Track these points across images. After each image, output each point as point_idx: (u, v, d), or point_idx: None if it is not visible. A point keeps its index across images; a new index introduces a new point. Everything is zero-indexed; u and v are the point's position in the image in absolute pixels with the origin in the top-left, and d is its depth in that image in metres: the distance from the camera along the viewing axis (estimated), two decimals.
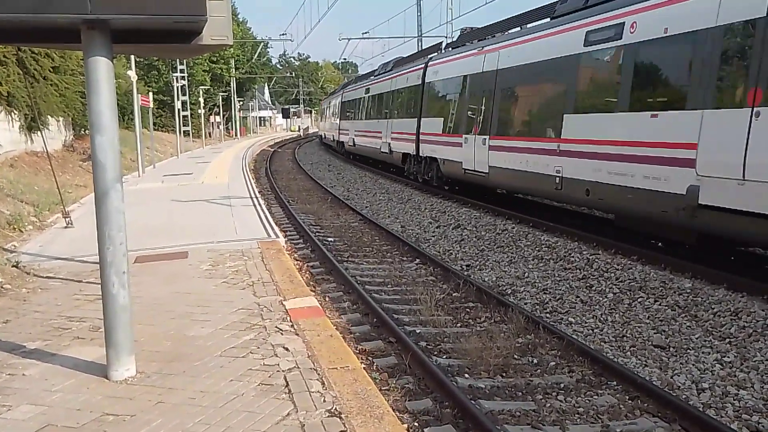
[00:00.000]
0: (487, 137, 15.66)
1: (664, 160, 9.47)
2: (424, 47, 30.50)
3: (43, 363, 5.21)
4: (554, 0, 14.06)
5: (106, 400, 4.49)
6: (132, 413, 4.27)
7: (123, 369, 4.82)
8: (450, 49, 20.54)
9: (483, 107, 16.08)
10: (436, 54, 21.72)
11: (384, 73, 27.99)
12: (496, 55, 15.62)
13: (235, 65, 63.97)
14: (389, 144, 24.68)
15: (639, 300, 8.38)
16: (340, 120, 38.17)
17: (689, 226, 9.21)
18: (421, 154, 20.89)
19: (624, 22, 10.74)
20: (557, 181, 12.42)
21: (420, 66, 21.82)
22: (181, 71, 40.74)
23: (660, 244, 10.68)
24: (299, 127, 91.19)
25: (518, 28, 15.78)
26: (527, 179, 13.74)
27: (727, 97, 8.58)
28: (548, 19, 13.92)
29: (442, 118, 18.96)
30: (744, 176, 8.03)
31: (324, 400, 4.42)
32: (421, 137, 20.89)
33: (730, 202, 8.26)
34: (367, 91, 30.24)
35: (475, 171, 16.33)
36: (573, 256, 10.65)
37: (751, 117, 8.02)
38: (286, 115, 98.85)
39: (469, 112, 17.02)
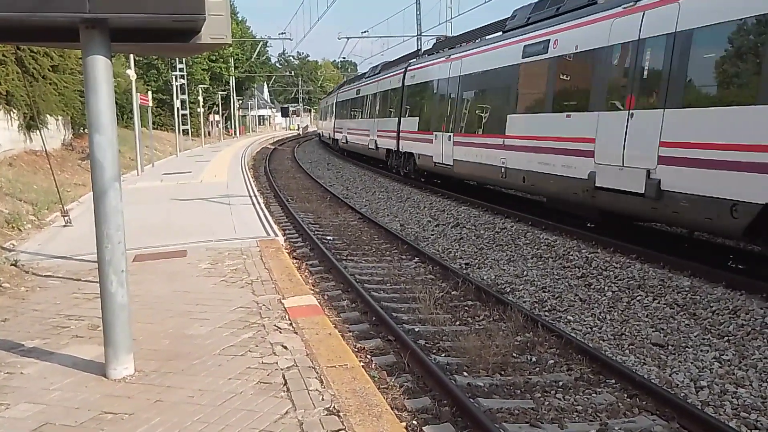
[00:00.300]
0: (451, 134, 17.98)
1: (573, 151, 11.78)
2: (422, 46, 31.86)
3: (41, 361, 5.21)
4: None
5: (104, 398, 4.50)
6: (130, 412, 4.27)
7: (121, 367, 4.82)
8: (426, 55, 23.26)
9: (449, 108, 18.44)
10: (414, 60, 24.22)
11: (372, 75, 30.53)
12: (459, 63, 18.04)
13: (234, 64, 63.98)
14: (375, 141, 27.00)
15: (638, 298, 8.39)
16: (334, 119, 40.26)
17: (591, 205, 11.50)
18: (400, 150, 23.30)
19: (549, 39, 13.03)
20: (503, 171, 14.74)
21: (400, 71, 24.22)
22: (181, 70, 40.78)
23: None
24: (298, 126, 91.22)
25: (479, 39, 18.14)
26: (482, 170, 16.07)
27: (613, 101, 10.76)
28: (501, 33, 16.35)
29: (417, 118, 21.44)
30: (623, 164, 10.32)
31: (322, 399, 4.42)
32: (400, 135, 23.25)
33: (615, 184, 10.51)
34: (358, 92, 32.49)
35: (443, 164, 18.71)
36: (572, 255, 10.66)
37: (627, 118, 10.29)
38: (285, 114, 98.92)
39: (438, 113, 19.38)
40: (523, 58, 14.09)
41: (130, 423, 4.12)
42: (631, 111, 10.24)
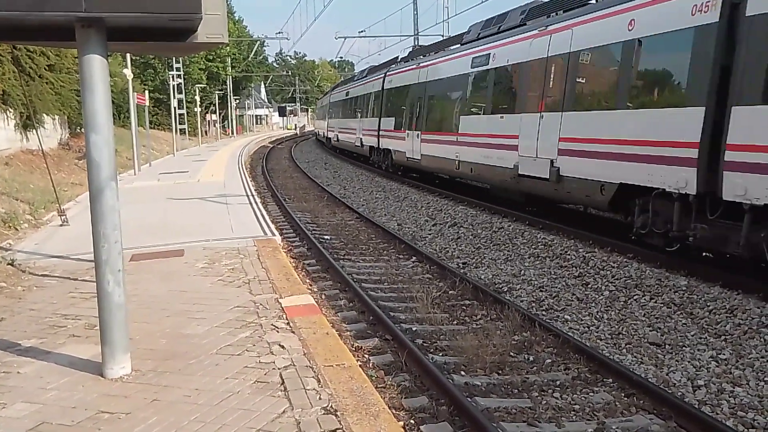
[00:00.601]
0: (419, 133, 20.86)
1: (505, 146, 14.53)
2: (420, 45, 32.28)
3: (38, 361, 5.20)
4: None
5: (101, 398, 4.49)
6: (127, 411, 4.26)
7: (118, 367, 4.81)
8: (402, 62, 25.95)
9: (418, 110, 21.27)
10: (393, 66, 26.96)
11: (359, 79, 33.80)
12: (426, 71, 20.86)
13: (231, 63, 63.89)
14: (361, 139, 30.19)
15: (635, 297, 8.40)
16: (327, 119, 43.96)
17: (517, 189, 14.41)
18: (380, 147, 26.31)
19: (490, 53, 15.86)
20: (457, 163, 17.56)
21: (380, 76, 27.13)
22: (177, 69, 40.70)
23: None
24: (295, 125, 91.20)
25: (444, 50, 20.75)
26: (442, 162, 18.92)
27: (531, 105, 13.55)
28: (459, 45, 19.07)
29: (394, 118, 24.17)
30: (536, 155, 13.08)
31: (320, 398, 4.41)
32: (380, 133, 26.23)
33: (531, 172, 13.28)
34: (347, 94, 35.66)
35: (413, 158, 21.53)
36: (569, 254, 10.67)
37: (539, 119, 13.04)
38: (282, 113, 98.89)
39: (410, 114, 22.13)
40: (471, 68, 16.96)
41: (127, 422, 4.12)
42: (541, 113, 13.02)
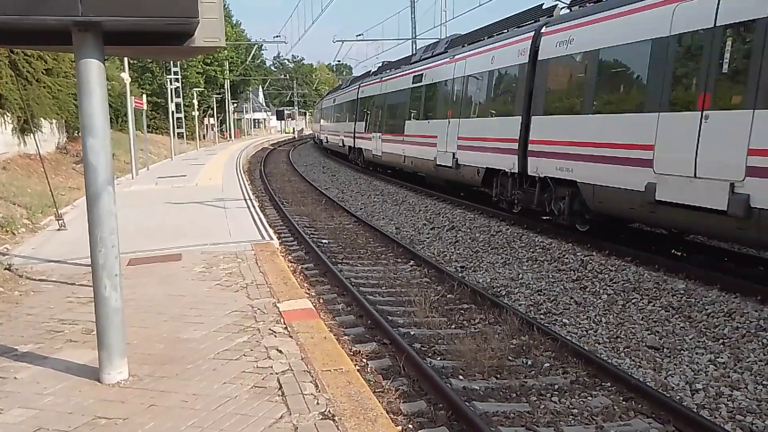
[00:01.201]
0: (381, 134, 26.08)
1: (429, 144, 19.35)
2: (417, 48, 32.90)
3: (35, 366, 5.18)
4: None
5: (98, 403, 4.47)
6: (124, 416, 4.25)
7: (115, 372, 4.80)
8: (373, 75, 31.13)
9: (380, 116, 26.53)
10: (368, 78, 31.99)
11: (345, 87, 39.30)
12: (386, 84, 26.04)
13: (229, 67, 63.90)
14: (343, 140, 35.56)
15: (633, 301, 8.39)
16: (320, 122, 50.48)
17: (437, 176, 19.30)
18: (355, 146, 31.73)
19: (423, 73, 20.98)
20: (403, 158, 22.56)
21: (356, 86, 32.78)
22: (175, 73, 40.63)
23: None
24: (293, 129, 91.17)
25: (402, 66, 25.22)
26: (395, 157, 23.70)
27: (443, 114, 18.48)
28: (410, 64, 23.82)
29: (364, 123, 29.52)
30: (446, 150, 17.81)
31: (317, 403, 4.40)
32: (356, 135, 31.49)
33: (444, 162, 17.96)
34: (334, 101, 41.56)
35: (377, 155, 26.74)
36: (567, 258, 10.67)
37: (448, 123, 17.82)
38: (280, 117, 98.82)
39: (375, 119, 27.38)
40: (412, 83, 22.09)
41: (124, 428, 4.10)
42: (449, 119, 17.91)
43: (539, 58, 12.99)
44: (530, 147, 13.10)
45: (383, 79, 26.60)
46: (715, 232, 9.28)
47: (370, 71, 34.07)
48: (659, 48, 9.53)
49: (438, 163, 18.39)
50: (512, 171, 13.87)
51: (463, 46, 17.95)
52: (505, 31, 15.59)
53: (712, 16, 8.53)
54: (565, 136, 11.93)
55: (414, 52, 24.57)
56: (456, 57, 17.70)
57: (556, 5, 13.96)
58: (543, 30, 13.23)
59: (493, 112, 15.25)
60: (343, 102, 36.30)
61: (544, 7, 14.34)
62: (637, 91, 10.27)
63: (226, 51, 57.78)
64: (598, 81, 11.13)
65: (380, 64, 32.40)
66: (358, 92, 31.58)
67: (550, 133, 12.54)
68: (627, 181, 10.08)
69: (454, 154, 17.19)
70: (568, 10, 13.16)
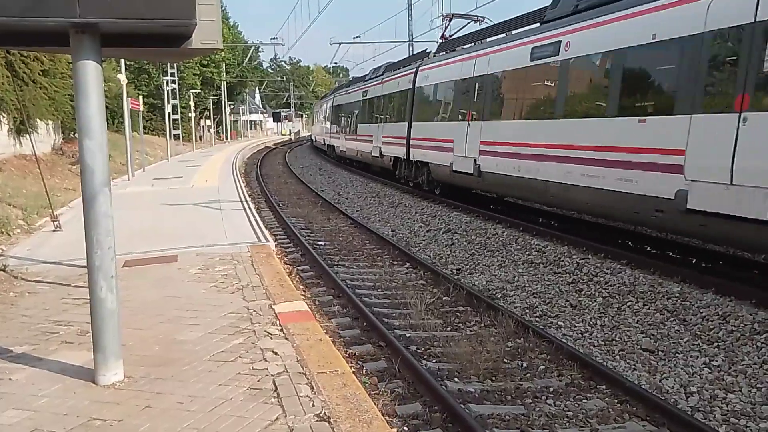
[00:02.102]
0: (345, 135, 32.96)
1: (370, 141, 26.52)
2: (414, 52, 34.16)
3: (30, 367, 5.18)
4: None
5: (93, 404, 4.47)
6: (119, 418, 4.25)
7: (111, 373, 4.79)
8: (349, 86, 37.27)
9: (351, 119, 31.87)
10: (342, 89, 39.78)
11: (328, 95, 47.59)
12: (349, 95, 33.57)
13: (225, 69, 63.89)
14: (324, 139, 42.63)
15: (628, 304, 8.41)
16: (313, 124, 60.17)
17: (375, 163, 26.06)
18: (332, 144, 38.73)
19: (366, 90, 28.19)
20: (356, 152, 29.73)
21: (332, 95, 41.69)
22: (172, 75, 40.58)
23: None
24: (290, 131, 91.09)
25: (369, 78, 30.22)
26: (351, 151, 30.86)
27: (381, 119, 25.39)
28: (377, 76, 27.97)
29: (337, 125, 36.20)
30: (381, 145, 24.78)
31: (313, 405, 4.41)
32: (331, 135, 38.72)
33: (376, 153, 25.23)
34: (320, 106, 49.96)
35: (341, 150, 33.77)
36: (563, 261, 10.69)
37: (382, 126, 25.09)
38: (277, 119, 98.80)
39: (345, 121, 33.32)
40: (361, 97, 29.45)
41: (120, 429, 4.10)
42: (378, 124, 25.55)
43: (416, 86, 20.88)
44: (411, 143, 21.02)
45: (348, 91, 34.67)
46: (754, 244, 8.52)
47: (343, 84, 43.99)
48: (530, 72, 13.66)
49: (373, 155, 25.92)
50: (404, 157, 21.71)
51: (383, 73, 26.64)
52: (411, 64, 22.85)
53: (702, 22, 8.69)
54: (425, 135, 19.61)
55: (380, 67, 29.32)
56: (384, 81, 25.62)
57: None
58: (419, 68, 20.93)
59: (396, 119, 23.10)
60: (327, 106, 43.30)
61: (429, 50, 22.96)
62: (455, 107, 17.70)
63: (223, 53, 57.74)
64: (438, 103, 19.10)
65: (350, 79, 42.79)
66: (333, 99, 39.67)
67: (420, 133, 20.24)
68: (447, 160, 17.49)
69: (380, 148, 24.89)
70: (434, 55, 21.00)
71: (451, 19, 21.81)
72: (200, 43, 4.52)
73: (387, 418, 5.09)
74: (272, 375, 4.94)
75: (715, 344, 6.94)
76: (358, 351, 6.89)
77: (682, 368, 6.39)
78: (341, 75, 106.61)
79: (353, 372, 5.30)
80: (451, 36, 21.19)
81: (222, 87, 63.51)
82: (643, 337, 7.24)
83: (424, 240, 13.37)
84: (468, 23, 21.23)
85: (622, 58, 10.42)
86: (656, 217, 9.49)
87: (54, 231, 11.65)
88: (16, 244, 10.75)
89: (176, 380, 4.87)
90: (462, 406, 5.45)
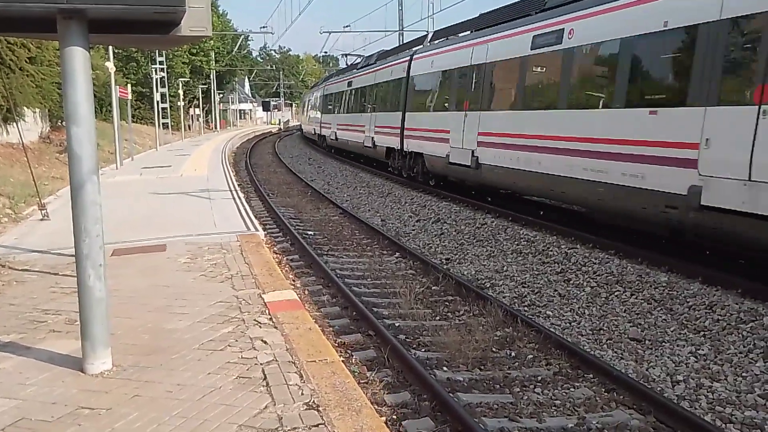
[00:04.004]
0: (338, 124, 32.60)
1: (360, 130, 26.47)
2: (405, 41, 34.11)
3: (17, 356, 5.15)
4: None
5: (81, 393, 4.46)
6: (108, 407, 4.24)
7: (99, 362, 4.78)
8: (340, 74, 37.68)
9: (343, 109, 32.06)
10: (331, 77, 41.59)
11: (319, 84, 48.54)
12: (338, 85, 34.31)
13: (215, 57, 63.48)
14: (315, 129, 42.96)
15: (616, 293, 8.47)
16: (303, 114, 58.80)
17: (365, 153, 26.31)
18: (321, 133, 39.30)
19: (351, 80, 29.88)
20: (347, 141, 29.80)
21: (323, 84, 42.68)
22: (160, 63, 40.35)
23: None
24: (279, 120, 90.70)
25: (340, 75, 34.84)
26: (350, 145, 29.55)
27: (364, 109, 26.35)
28: (354, 70, 30.91)
29: (328, 115, 36.47)
30: (370, 134, 24.87)
31: (302, 393, 4.42)
32: (322, 124, 39.13)
33: (369, 143, 25.03)
34: (312, 94, 49.84)
35: (339, 138, 32.16)
36: (551, 250, 10.73)
37: (375, 116, 24.56)
38: (266, 108, 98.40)
39: (337, 111, 33.51)
40: (347, 87, 30.90)
41: (108, 418, 4.09)
42: (370, 114, 25.37)
43: (411, 74, 20.55)
44: (405, 132, 20.55)
45: (339, 80, 34.78)
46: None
47: (329, 75, 46.68)
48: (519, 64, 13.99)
49: (366, 145, 25.62)
50: (398, 147, 21.22)
51: (376, 62, 26.69)
52: (405, 52, 23.07)
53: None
54: (420, 125, 19.27)
55: (350, 62, 34.10)
56: (377, 69, 25.24)
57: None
58: (414, 56, 20.66)
59: (390, 109, 22.55)
60: (316, 97, 44.18)
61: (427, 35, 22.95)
62: (448, 96, 17.57)
63: (212, 41, 57.39)
64: (434, 92, 18.81)
65: (328, 74, 46.35)
66: (324, 90, 40.14)
67: (414, 123, 19.76)
68: (443, 151, 17.13)
69: (373, 138, 24.35)
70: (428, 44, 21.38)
71: None
72: (189, 30, 4.49)
73: (376, 406, 5.11)
74: (261, 364, 4.94)
75: (702, 333, 7.01)
76: (348, 340, 6.91)
77: (668, 357, 6.44)
78: (331, 64, 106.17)
79: (342, 361, 5.31)
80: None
81: (211, 76, 63.13)
82: (631, 327, 7.30)
83: (413, 230, 13.38)
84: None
85: (631, 46, 10.08)
86: (666, 213, 9.17)
87: (42, 220, 11.58)
88: (3, 233, 10.69)
89: (165, 369, 4.86)
90: (451, 394, 5.47)
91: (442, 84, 18.03)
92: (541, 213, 13.95)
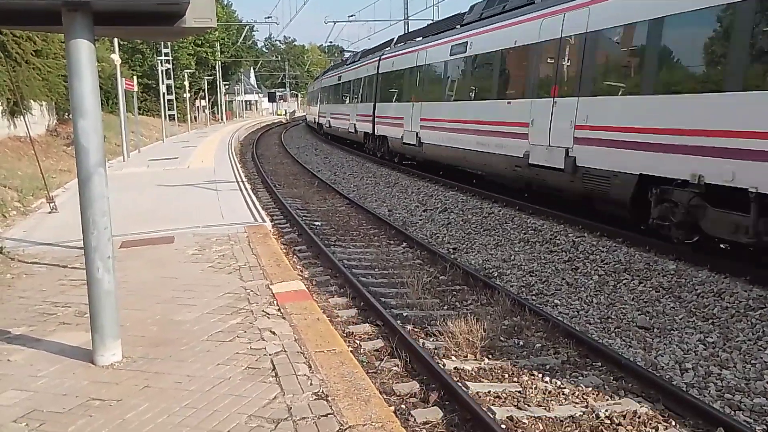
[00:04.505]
0: (332, 113, 36.87)
1: (347, 118, 31.22)
2: (409, 30, 34.75)
3: (28, 348, 5.19)
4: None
5: (91, 385, 4.49)
6: (118, 398, 4.27)
7: (109, 354, 4.81)
8: (332, 69, 43.05)
9: (334, 100, 36.58)
10: (327, 71, 46.84)
11: (320, 76, 52.82)
12: (332, 78, 38.25)
13: (220, 49, 63.38)
14: (314, 118, 47.60)
15: (624, 282, 8.45)
16: (307, 105, 64.34)
17: (350, 138, 30.83)
18: (319, 122, 43.50)
19: (340, 75, 35.22)
20: (352, 129, 29.92)
21: (320, 78, 48.79)
22: (166, 55, 40.30)
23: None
24: (285, 111, 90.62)
25: (353, 61, 34.81)
26: (339, 131, 33.97)
27: (353, 100, 30.20)
28: (356, 60, 32.80)
29: (324, 105, 40.93)
30: (354, 121, 29.39)
31: (311, 383, 4.43)
32: (320, 114, 43.33)
33: (351, 129, 30.06)
34: (314, 86, 54.43)
35: (332, 126, 36.54)
36: (559, 239, 10.71)
37: (356, 106, 29.24)
38: (272, 99, 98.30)
39: (330, 102, 38.09)
40: (337, 81, 35.24)
41: (118, 409, 4.12)
42: (353, 104, 29.73)
43: (379, 71, 25.12)
44: (376, 120, 24.97)
45: (332, 75, 39.84)
46: (556, 184, 12.20)
47: (329, 68, 51.99)
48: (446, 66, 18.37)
49: (350, 130, 30.09)
50: (369, 131, 26.06)
51: (359, 59, 30.80)
52: (376, 53, 26.98)
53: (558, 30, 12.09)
54: (386, 114, 23.53)
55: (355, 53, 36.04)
56: (358, 66, 29.87)
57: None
58: (382, 56, 25.12)
59: (366, 100, 26.88)
60: (316, 89, 49.30)
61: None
62: (401, 89, 22.43)
63: (217, 32, 57.29)
64: (394, 86, 22.93)
65: (326, 69, 53.29)
66: (321, 83, 45.54)
67: (382, 112, 24.09)
68: (399, 134, 21.40)
69: (355, 125, 28.79)
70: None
71: None
72: (193, 21, 4.48)
73: (384, 396, 5.12)
74: (270, 354, 4.96)
75: (710, 321, 6.99)
76: (356, 330, 6.92)
77: (677, 345, 6.43)
78: (336, 54, 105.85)
79: (351, 351, 5.33)
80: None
81: (217, 67, 63.07)
82: (639, 315, 7.28)
83: (420, 219, 13.38)
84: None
85: (499, 57, 14.72)
86: (515, 170, 13.51)
87: (50, 212, 11.64)
88: (12, 226, 10.74)
89: (174, 360, 4.89)
90: (459, 384, 5.48)
91: (399, 80, 22.85)
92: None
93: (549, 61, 12.46)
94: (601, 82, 10.84)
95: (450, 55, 17.58)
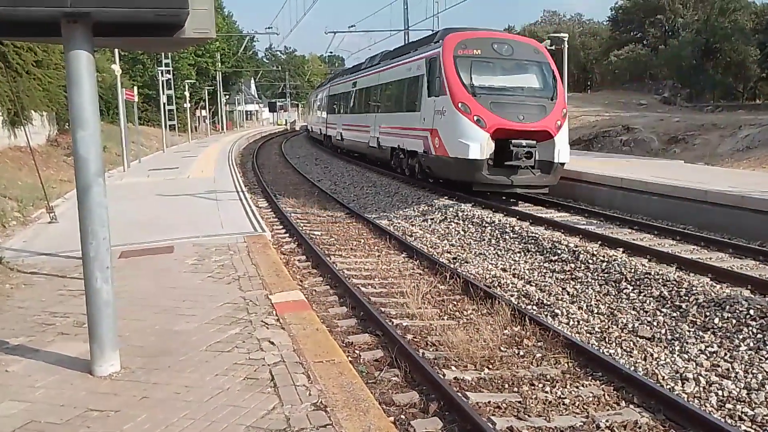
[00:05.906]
0: (326, 123, 38.87)
1: (334, 127, 35.55)
2: (410, 40, 35.24)
3: (26, 359, 5.18)
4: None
5: (90, 395, 4.47)
6: (116, 409, 4.25)
7: (107, 364, 4.79)
8: (323, 85, 46.82)
9: (323, 111, 40.22)
10: (322, 85, 49.88)
11: (317, 88, 57.11)
12: (326, 90, 40.36)
13: (220, 59, 63.52)
14: (312, 128, 49.96)
15: (624, 291, 8.43)
16: (308, 114, 66.94)
17: (335, 144, 35.45)
18: (313, 129, 48.00)
19: (327, 88, 39.84)
20: (328, 134, 37.11)
21: (317, 91, 50.72)
22: (166, 65, 40.39)
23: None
24: (286, 120, 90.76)
25: (324, 85, 44.58)
26: (328, 135, 38.42)
27: (331, 111, 36.51)
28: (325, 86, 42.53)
29: (317, 115, 43.25)
30: (336, 128, 34.84)
31: (309, 394, 4.42)
32: (311, 124, 49.41)
33: (337, 135, 33.52)
34: (315, 97, 56.92)
35: (321, 132, 40.00)
36: (559, 249, 10.69)
37: (332, 116, 36.25)
38: (272, 109, 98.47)
39: (321, 112, 41.32)
40: (323, 94, 40.46)
41: (116, 420, 4.10)
42: (337, 115, 33.88)
43: (329, 94, 35.90)
44: (327, 125, 35.96)
45: (322, 88, 43.47)
46: (374, 153, 23.79)
47: (323, 83, 54.99)
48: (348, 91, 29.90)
49: (335, 137, 33.83)
50: (327, 134, 36.15)
51: (344, 75, 35.41)
52: (339, 77, 36.42)
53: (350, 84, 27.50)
54: (333, 121, 33.22)
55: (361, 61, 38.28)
56: (341, 82, 34.00)
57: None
58: (330, 83, 37.39)
59: (326, 112, 36.47)
60: (313, 100, 53.79)
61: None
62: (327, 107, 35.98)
63: (217, 42, 57.43)
64: (336, 104, 33.55)
65: (323, 81, 59.18)
66: (315, 95, 49.26)
67: (332, 120, 33.78)
68: (333, 133, 33.86)
69: (337, 129, 33.21)
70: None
71: None
72: (193, 32, 4.50)
73: (384, 406, 5.10)
74: (269, 365, 4.94)
75: (711, 331, 6.97)
76: (355, 340, 6.90)
77: (678, 355, 6.41)
78: (337, 64, 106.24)
79: (350, 361, 5.31)
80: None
81: (217, 77, 63.23)
82: (639, 324, 7.27)
83: (420, 229, 13.37)
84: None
85: (364, 90, 26.08)
86: (369, 149, 24.33)
87: (50, 222, 11.63)
88: (12, 236, 10.73)
89: (173, 370, 4.87)
90: (459, 394, 5.46)
91: (340, 99, 32.56)
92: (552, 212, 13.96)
93: (373, 95, 24.41)
94: (383, 106, 22.56)
95: (352, 87, 29.04)
